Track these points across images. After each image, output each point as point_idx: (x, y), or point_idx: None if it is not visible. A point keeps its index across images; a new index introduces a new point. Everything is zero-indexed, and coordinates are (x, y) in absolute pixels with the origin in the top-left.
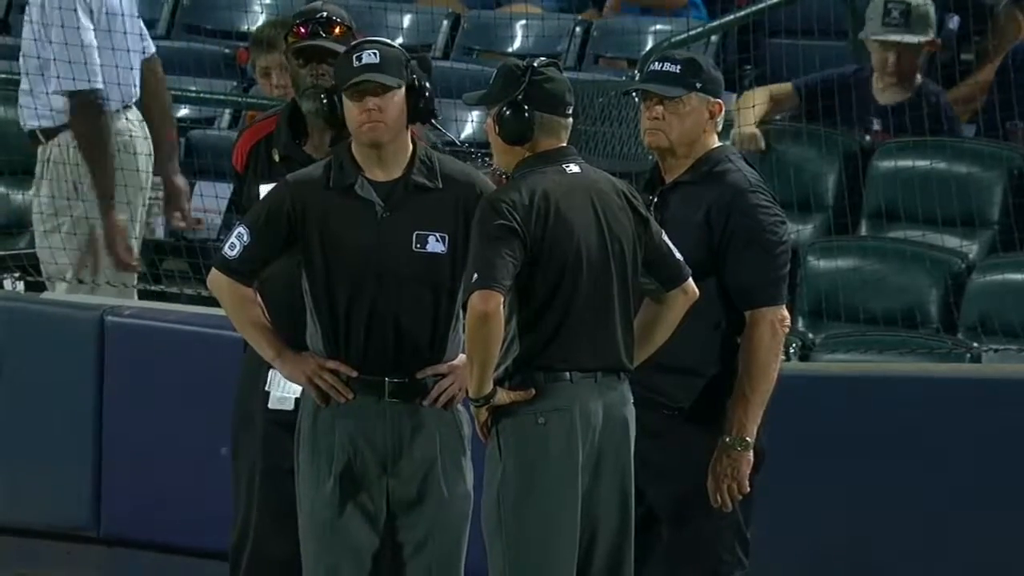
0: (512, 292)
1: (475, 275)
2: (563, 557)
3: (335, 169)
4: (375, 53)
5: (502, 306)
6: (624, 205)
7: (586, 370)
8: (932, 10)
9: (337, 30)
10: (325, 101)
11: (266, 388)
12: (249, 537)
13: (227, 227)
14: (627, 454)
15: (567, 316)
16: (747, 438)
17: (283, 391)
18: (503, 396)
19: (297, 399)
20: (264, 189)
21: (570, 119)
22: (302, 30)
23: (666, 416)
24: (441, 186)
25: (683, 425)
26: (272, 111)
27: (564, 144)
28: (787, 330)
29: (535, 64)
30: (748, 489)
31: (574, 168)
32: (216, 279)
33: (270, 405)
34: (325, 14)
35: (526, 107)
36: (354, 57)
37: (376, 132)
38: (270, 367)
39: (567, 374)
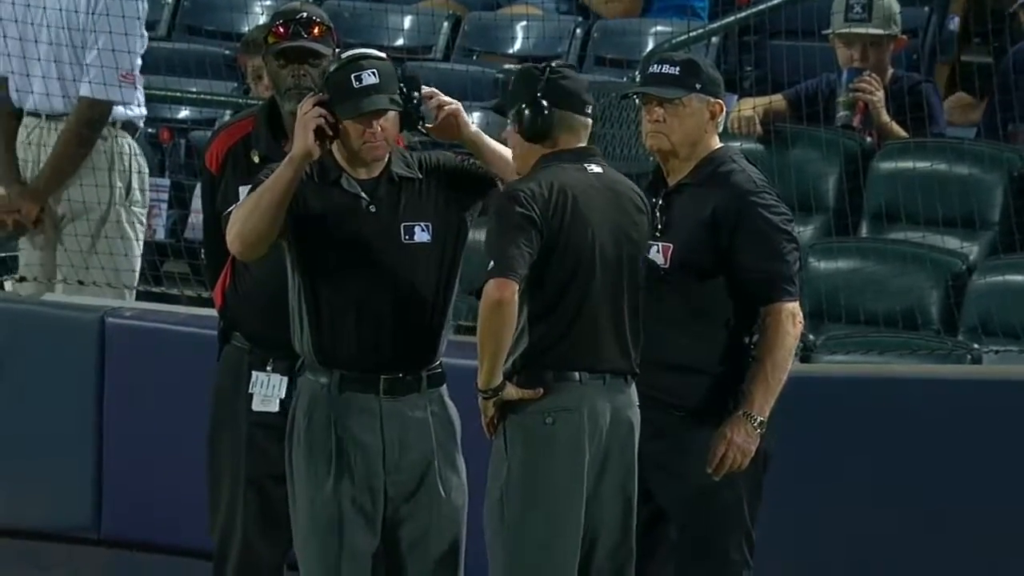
0: (524, 283)
1: (491, 263)
2: (566, 557)
3: (316, 169)
4: (375, 72)
5: (517, 295)
6: (643, 209)
7: (596, 371)
8: (895, 5)
9: (317, 30)
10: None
11: (250, 390)
12: (234, 543)
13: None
14: (631, 456)
15: (579, 315)
16: (762, 418)
17: (267, 392)
18: (511, 391)
19: (282, 400)
20: (244, 191)
21: (589, 119)
22: (282, 30)
23: (674, 416)
24: (422, 176)
25: (691, 425)
26: (247, 112)
27: (585, 144)
28: (802, 324)
29: (553, 64)
30: (747, 464)
31: (595, 168)
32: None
33: (254, 407)
34: (305, 14)
35: (546, 104)
36: (352, 77)
37: (379, 151)
38: (252, 369)
39: (576, 374)
